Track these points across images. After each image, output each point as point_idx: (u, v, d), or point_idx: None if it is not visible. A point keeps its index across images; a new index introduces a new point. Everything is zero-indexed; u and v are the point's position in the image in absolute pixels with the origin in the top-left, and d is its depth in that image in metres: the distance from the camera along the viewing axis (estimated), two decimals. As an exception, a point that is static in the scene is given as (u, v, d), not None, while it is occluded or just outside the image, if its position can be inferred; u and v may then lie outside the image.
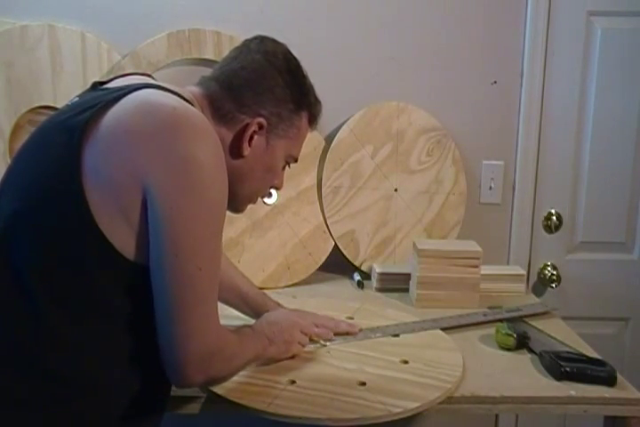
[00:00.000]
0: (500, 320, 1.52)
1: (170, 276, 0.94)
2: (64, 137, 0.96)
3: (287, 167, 1.22)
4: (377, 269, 1.82)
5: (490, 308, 1.65)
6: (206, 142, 0.96)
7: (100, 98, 1.00)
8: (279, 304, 1.44)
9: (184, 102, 1.01)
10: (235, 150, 1.10)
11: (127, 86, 1.02)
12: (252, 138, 1.11)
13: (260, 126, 1.11)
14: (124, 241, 0.95)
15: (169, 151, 0.93)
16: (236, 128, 1.10)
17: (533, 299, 1.86)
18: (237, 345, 1.10)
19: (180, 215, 0.93)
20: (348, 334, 1.41)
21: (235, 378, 1.23)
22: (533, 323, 1.57)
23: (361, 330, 1.45)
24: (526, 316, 1.60)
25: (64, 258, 0.94)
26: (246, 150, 1.10)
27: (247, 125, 1.10)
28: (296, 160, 1.21)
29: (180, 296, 0.95)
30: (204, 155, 0.94)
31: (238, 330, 1.19)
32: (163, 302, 0.95)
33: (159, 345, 0.98)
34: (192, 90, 1.14)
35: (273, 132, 1.13)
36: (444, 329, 1.49)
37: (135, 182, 0.93)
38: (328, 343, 1.37)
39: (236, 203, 1.16)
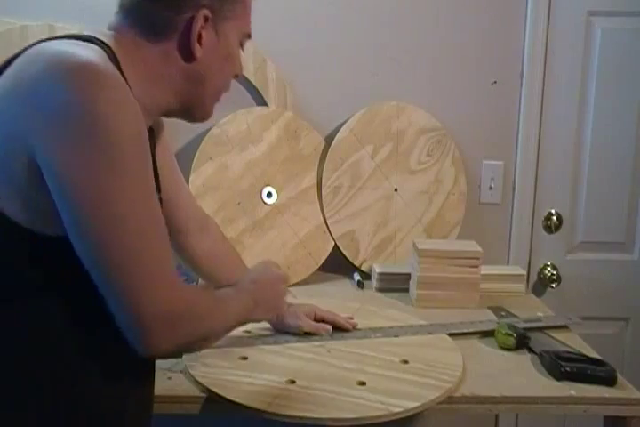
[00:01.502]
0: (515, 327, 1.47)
1: (88, 239, 0.85)
2: None
3: (242, 49, 1.09)
4: (377, 269, 1.82)
5: (502, 315, 1.63)
6: (101, 87, 0.84)
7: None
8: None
9: (82, 48, 0.89)
10: (186, 55, 0.99)
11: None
12: (200, 36, 0.99)
13: (206, 19, 0.98)
14: (28, 215, 0.86)
15: (50, 100, 0.83)
16: (179, 31, 0.98)
17: (534, 299, 1.86)
18: (213, 304, 1.01)
19: (73, 170, 0.83)
20: (343, 328, 1.43)
21: (234, 378, 1.23)
22: (533, 323, 1.57)
23: (354, 327, 1.47)
24: (545, 328, 1.54)
25: None
26: (198, 51, 0.99)
27: (191, 24, 0.98)
28: (249, 36, 1.08)
29: (107, 258, 0.86)
30: (96, 99, 0.83)
31: (218, 290, 1.11)
32: (95, 271, 0.87)
33: (114, 316, 0.89)
34: (112, 25, 1.00)
35: (219, 17, 1.01)
36: (451, 335, 1.48)
37: (19, 144, 0.84)
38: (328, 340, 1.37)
39: (204, 106, 1.06)
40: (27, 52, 0.89)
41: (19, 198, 0.86)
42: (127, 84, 0.90)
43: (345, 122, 1.93)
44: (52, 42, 0.90)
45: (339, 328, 1.45)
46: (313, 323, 1.43)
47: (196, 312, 0.95)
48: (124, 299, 0.86)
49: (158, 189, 1.07)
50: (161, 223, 0.90)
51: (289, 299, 1.31)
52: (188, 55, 0.99)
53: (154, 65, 0.97)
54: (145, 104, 0.96)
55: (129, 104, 0.86)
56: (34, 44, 0.90)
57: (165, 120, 2.01)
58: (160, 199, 1.07)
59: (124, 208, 0.85)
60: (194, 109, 1.04)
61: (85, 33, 0.94)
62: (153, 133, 1.09)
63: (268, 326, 1.47)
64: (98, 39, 0.92)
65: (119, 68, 0.91)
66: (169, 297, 0.89)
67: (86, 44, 0.90)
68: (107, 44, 0.92)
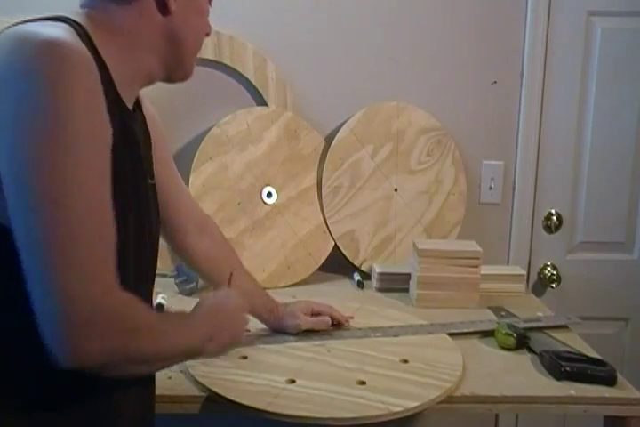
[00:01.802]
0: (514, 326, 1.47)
1: (23, 220, 0.79)
2: None
3: (210, 6, 1.08)
4: (377, 269, 1.82)
5: (502, 315, 1.63)
6: (60, 63, 0.81)
7: None
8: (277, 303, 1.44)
9: (47, 27, 0.86)
10: (162, 9, 0.97)
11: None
12: None
13: None
14: None
15: (4, 80, 0.81)
16: None
17: (534, 299, 1.86)
18: (156, 323, 0.90)
19: (18, 148, 0.80)
20: (340, 324, 1.45)
21: (234, 377, 1.23)
22: (534, 323, 1.57)
23: (349, 322, 1.48)
24: (545, 328, 1.54)
25: None
26: (173, 4, 0.98)
27: None
28: None
29: (39, 241, 0.78)
30: (51, 77, 0.80)
31: (174, 312, 1.04)
32: (24, 258, 0.80)
33: (36, 315, 0.80)
34: (83, 2, 0.98)
35: None
36: (451, 335, 1.48)
37: None
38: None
39: (185, 65, 1.07)
40: None
41: None
42: (102, 58, 0.89)
43: (345, 122, 1.93)
44: (20, 25, 0.87)
45: (338, 326, 1.45)
46: (311, 319, 1.43)
47: (132, 325, 0.84)
48: (49, 291, 0.78)
49: (151, 176, 1.06)
50: (107, 215, 0.83)
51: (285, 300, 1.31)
52: (163, 8, 0.97)
53: (131, 28, 0.95)
54: (127, 73, 0.95)
55: (88, 82, 0.84)
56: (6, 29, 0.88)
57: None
58: (153, 185, 1.06)
59: (65, 188, 0.80)
60: (175, 69, 1.03)
61: (56, 14, 0.91)
62: (141, 107, 1.07)
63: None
64: (68, 18, 0.90)
65: (92, 45, 0.89)
66: (100, 297, 0.80)
67: (54, 22, 0.88)
68: (77, 22, 0.90)
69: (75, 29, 0.88)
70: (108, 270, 0.82)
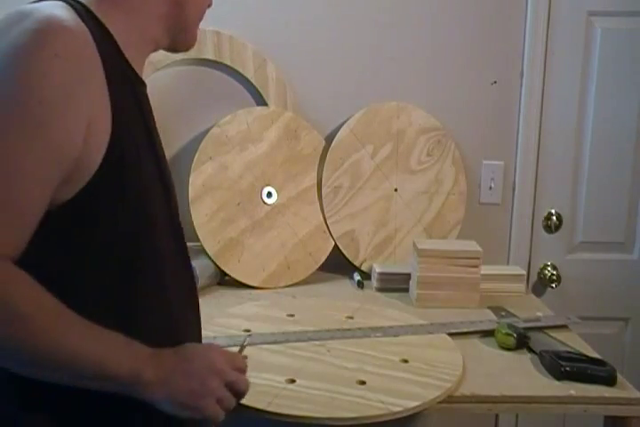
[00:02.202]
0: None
1: None
2: None
3: None
4: (377, 269, 1.82)
5: (502, 315, 1.63)
6: (44, 44, 0.82)
7: None
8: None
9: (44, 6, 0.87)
10: None
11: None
12: None
13: None
14: None
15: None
16: None
17: (534, 299, 1.86)
18: (41, 314, 0.79)
19: None
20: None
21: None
22: (533, 323, 1.57)
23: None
24: (544, 328, 1.54)
25: None
26: None
27: None
28: None
29: None
30: (28, 53, 0.81)
31: (103, 328, 0.85)
32: None
33: None
34: None
35: None
36: (451, 335, 1.48)
37: None
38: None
39: (189, 32, 1.07)
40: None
41: None
42: (107, 30, 0.90)
43: (345, 122, 1.93)
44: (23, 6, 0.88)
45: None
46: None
47: (8, 307, 0.77)
48: None
49: (162, 155, 1.03)
50: (32, 190, 0.82)
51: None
52: None
53: None
54: (134, 41, 0.95)
55: (71, 65, 0.84)
56: None
57: (166, 120, 2.01)
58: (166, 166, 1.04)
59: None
60: (179, 37, 1.04)
61: None
62: (145, 86, 1.05)
63: (268, 325, 1.47)
64: None
65: (94, 19, 0.90)
66: None
67: (52, 2, 0.88)
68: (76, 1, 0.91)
69: (71, 6, 0.88)
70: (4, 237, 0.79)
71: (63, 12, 0.85)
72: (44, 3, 0.88)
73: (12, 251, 0.81)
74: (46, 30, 0.82)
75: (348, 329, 1.46)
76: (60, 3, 0.88)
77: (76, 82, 0.84)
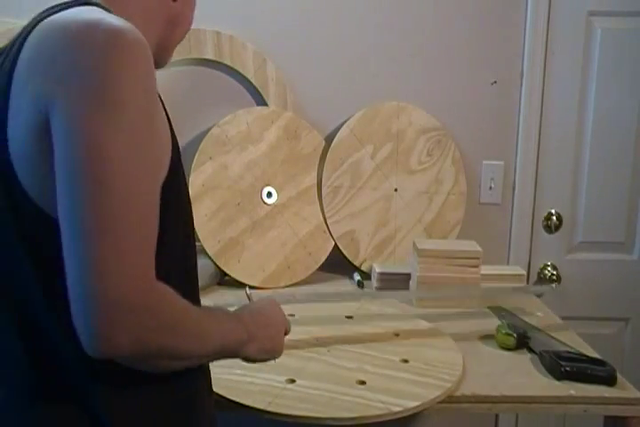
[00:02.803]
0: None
1: (71, 197, 0.77)
2: None
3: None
4: (377, 269, 1.82)
5: (502, 315, 1.62)
6: (129, 57, 0.82)
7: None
8: None
9: (104, 13, 0.86)
10: None
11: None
12: None
13: None
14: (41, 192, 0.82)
15: (77, 67, 0.79)
16: None
17: (534, 299, 1.86)
18: (193, 318, 0.87)
19: (74, 124, 0.78)
20: None
21: (234, 377, 1.23)
22: (533, 323, 1.57)
23: None
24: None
25: None
26: None
27: None
28: None
29: (82, 220, 0.76)
30: (122, 67, 0.81)
31: (209, 308, 0.99)
32: (65, 238, 0.77)
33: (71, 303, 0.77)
34: None
35: None
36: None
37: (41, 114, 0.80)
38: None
39: (169, 53, 1.07)
40: (38, 28, 0.85)
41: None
42: None
43: (345, 122, 1.93)
44: (62, 13, 0.86)
45: None
46: None
47: (167, 320, 0.81)
48: (85, 273, 0.75)
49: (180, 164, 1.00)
50: (152, 207, 0.81)
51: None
52: None
53: (147, 9, 0.97)
54: None
55: (150, 69, 0.86)
56: (39, 21, 0.86)
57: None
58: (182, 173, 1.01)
59: (115, 166, 0.77)
60: (162, 55, 1.04)
61: None
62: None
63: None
64: (97, 3, 0.90)
65: None
66: (137, 287, 0.77)
67: (96, 8, 0.87)
68: (100, 4, 0.90)
69: (107, 11, 0.88)
70: (147, 261, 0.79)
71: (125, 23, 0.83)
72: (95, 10, 0.86)
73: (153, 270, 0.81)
74: (134, 46, 0.82)
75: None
76: (107, 13, 0.87)
77: (156, 95, 0.87)
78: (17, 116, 0.82)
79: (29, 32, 0.85)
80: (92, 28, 0.81)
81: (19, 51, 0.84)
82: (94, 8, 0.87)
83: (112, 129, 0.78)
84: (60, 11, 0.86)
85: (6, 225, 0.85)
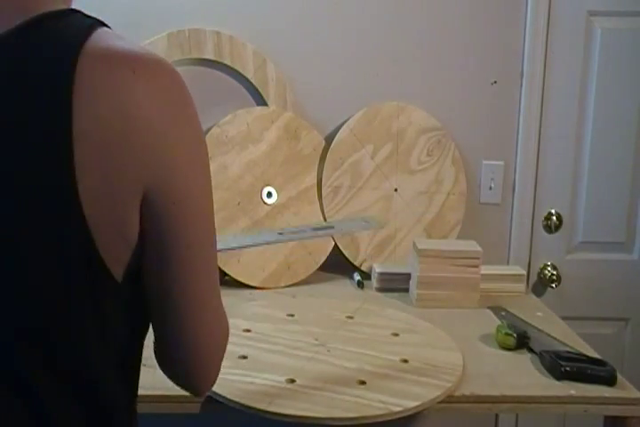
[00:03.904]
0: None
1: (183, 272, 0.77)
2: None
3: None
4: (377, 269, 1.82)
5: (502, 315, 1.63)
6: (191, 100, 0.79)
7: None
8: None
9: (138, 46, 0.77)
10: None
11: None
12: None
13: None
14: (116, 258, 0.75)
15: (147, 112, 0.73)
16: None
17: (534, 299, 1.86)
18: None
19: (194, 202, 0.77)
20: None
21: (234, 377, 1.23)
22: (533, 323, 1.58)
23: None
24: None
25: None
26: None
27: None
28: None
29: (199, 289, 0.79)
30: (196, 118, 0.79)
31: None
32: (173, 302, 0.79)
33: (169, 356, 0.84)
34: None
35: None
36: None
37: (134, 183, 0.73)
38: None
39: None
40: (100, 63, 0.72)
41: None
42: None
43: (345, 122, 1.93)
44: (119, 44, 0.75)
45: None
46: None
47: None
48: (196, 335, 0.81)
49: None
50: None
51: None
52: None
53: None
54: None
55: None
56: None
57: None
58: None
59: (213, 235, 0.81)
60: None
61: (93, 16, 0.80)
62: None
63: (268, 325, 1.47)
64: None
65: None
66: (226, 328, 0.87)
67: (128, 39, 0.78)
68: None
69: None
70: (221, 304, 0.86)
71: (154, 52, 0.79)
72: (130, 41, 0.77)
73: None
74: (181, 81, 0.78)
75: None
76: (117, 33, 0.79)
77: None
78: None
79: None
80: (153, 66, 0.75)
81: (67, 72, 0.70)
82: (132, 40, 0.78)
83: (210, 195, 0.79)
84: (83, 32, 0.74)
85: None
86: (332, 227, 1.51)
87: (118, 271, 0.75)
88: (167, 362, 0.85)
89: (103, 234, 0.72)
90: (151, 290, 0.79)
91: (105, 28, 0.77)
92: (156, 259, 0.77)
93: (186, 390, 0.86)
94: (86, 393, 0.78)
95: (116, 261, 0.74)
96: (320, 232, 1.47)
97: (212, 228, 0.80)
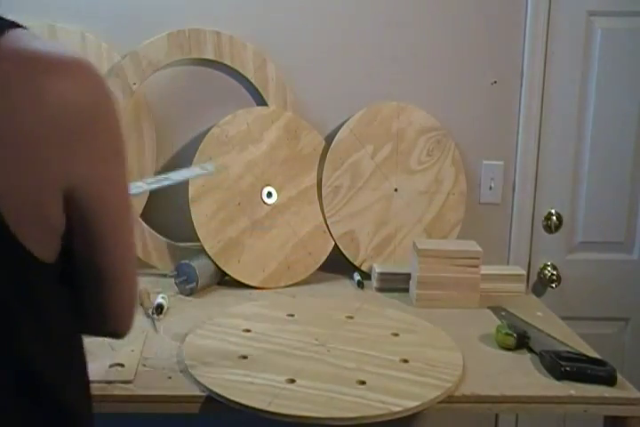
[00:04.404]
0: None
1: (117, 250, 0.89)
2: None
3: None
4: (377, 269, 1.82)
5: (502, 315, 1.63)
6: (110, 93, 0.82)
7: None
8: None
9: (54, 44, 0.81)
10: None
11: None
12: None
13: None
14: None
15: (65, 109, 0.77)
16: None
17: (534, 299, 1.86)
18: None
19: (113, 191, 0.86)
20: None
21: (234, 377, 1.23)
22: (534, 323, 1.58)
23: None
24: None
25: None
26: None
27: None
28: None
29: (124, 270, 0.92)
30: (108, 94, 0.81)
31: None
32: (102, 282, 0.90)
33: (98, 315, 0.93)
34: None
35: None
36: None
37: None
38: None
39: None
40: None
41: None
42: None
43: (345, 122, 1.93)
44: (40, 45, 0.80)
45: None
46: None
47: None
48: (125, 304, 0.94)
49: None
50: None
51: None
52: None
53: None
54: None
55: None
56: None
57: (166, 120, 2.01)
58: None
59: (128, 198, 0.89)
60: None
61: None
62: None
63: (268, 325, 1.47)
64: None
65: None
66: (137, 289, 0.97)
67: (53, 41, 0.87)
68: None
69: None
70: None
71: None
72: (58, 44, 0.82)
73: None
74: (98, 78, 0.81)
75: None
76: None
77: None
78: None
79: None
80: (84, 68, 0.80)
81: None
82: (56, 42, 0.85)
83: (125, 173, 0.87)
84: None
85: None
86: (167, 178, 1.52)
87: (46, 254, 0.82)
88: (94, 322, 0.94)
89: (22, 223, 0.78)
90: (82, 266, 0.88)
91: (21, 30, 0.83)
92: (83, 242, 0.86)
93: (110, 337, 1.01)
94: (15, 364, 0.83)
95: (40, 244, 0.81)
96: (154, 185, 1.50)
97: (130, 213, 0.90)
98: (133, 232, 0.92)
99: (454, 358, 1.35)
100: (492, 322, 1.57)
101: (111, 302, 0.92)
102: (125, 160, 0.85)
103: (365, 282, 1.83)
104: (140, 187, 1.46)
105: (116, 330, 0.97)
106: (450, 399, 1.23)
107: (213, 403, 1.20)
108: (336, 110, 1.94)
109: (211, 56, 1.87)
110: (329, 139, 1.93)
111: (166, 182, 1.51)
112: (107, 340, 1.36)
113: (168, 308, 1.59)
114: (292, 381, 1.23)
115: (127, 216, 0.89)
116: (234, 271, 1.79)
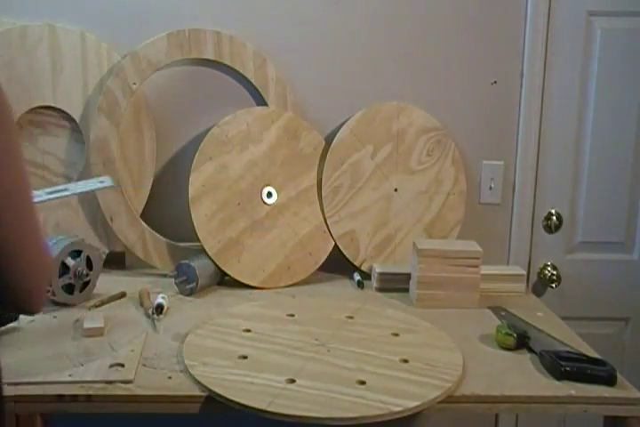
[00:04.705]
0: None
1: (12, 226, 0.90)
2: None
3: None
4: (377, 269, 1.82)
5: (502, 315, 1.63)
6: None
7: None
8: None
9: None
10: None
11: None
12: None
13: None
14: None
15: None
16: None
17: (534, 299, 1.86)
18: None
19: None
20: None
21: (234, 377, 1.23)
22: (534, 323, 1.58)
23: None
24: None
25: None
26: None
27: None
28: None
29: (25, 233, 0.92)
30: None
31: None
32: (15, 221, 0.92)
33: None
34: None
35: None
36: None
37: None
38: None
39: None
40: None
41: None
42: None
43: (345, 122, 1.93)
44: None
45: None
46: None
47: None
48: (29, 280, 0.92)
49: None
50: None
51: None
52: None
53: None
54: None
55: None
56: None
57: (166, 120, 2.01)
58: None
59: (20, 171, 0.91)
60: None
61: None
62: None
63: (268, 325, 1.47)
64: None
65: None
66: (49, 259, 0.97)
67: None
68: None
69: None
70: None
71: None
72: None
73: None
74: None
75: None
76: None
77: None
78: None
79: None
80: None
81: None
82: None
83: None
84: None
85: None
86: (66, 189, 1.55)
87: None
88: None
89: None
90: None
91: None
92: None
93: (21, 313, 1.04)
94: None
95: None
96: (52, 196, 1.53)
97: (25, 183, 0.92)
98: (32, 205, 0.92)
99: (454, 358, 1.35)
100: (492, 322, 1.57)
101: (15, 279, 0.92)
102: (11, 130, 0.88)
103: (365, 282, 1.83)
104: (40, 195, 1.50)
105: (25, 307, 0.97)
106: (450, 399, 1.23)
107: (213, 403, 1.20)
108: (336, 110, 1.94)
109: (211, 56, 1.87)
110: (329, 139, 1.93)
111: (65, 193, 1.56)
112: (107, 340, 1.36)
113: (168, 308, 1.59)
114: (292, 381, 1.23)
115: (22, 186, 0.90)
116: (234, 271, 1.79)
